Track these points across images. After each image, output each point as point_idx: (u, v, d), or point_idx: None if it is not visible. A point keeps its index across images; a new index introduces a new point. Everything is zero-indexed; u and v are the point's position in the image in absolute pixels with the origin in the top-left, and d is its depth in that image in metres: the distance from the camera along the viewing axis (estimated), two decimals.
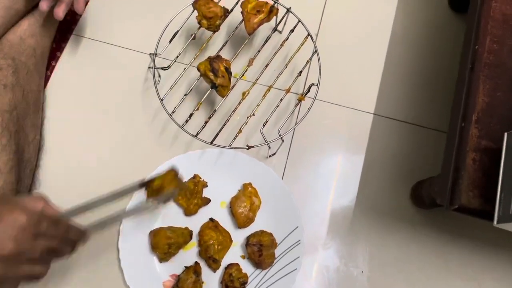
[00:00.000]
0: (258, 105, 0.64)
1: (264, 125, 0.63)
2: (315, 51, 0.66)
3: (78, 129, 0.70)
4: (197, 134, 0.61)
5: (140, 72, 0.73)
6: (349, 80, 0.74)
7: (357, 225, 0.67)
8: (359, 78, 0.74)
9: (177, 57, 0.66)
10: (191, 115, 0.62)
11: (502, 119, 0.52)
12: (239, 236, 0.64)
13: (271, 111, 0.64)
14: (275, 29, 0.69)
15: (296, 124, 0.65)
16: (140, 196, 0.63)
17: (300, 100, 0.68)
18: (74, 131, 0.70)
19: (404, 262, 0.66)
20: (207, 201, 0.65)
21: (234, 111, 0.63)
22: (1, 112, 0.58)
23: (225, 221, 0.65)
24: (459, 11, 0.77)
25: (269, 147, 0.67)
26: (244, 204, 0.64)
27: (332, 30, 0.77)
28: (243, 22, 0.66)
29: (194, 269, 0.61)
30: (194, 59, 0.66)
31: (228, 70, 0.62)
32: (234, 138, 0.62)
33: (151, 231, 0.63)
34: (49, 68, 0.72)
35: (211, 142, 0.61)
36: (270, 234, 0.63)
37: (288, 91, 0.66)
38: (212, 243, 0.62)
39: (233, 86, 0.64)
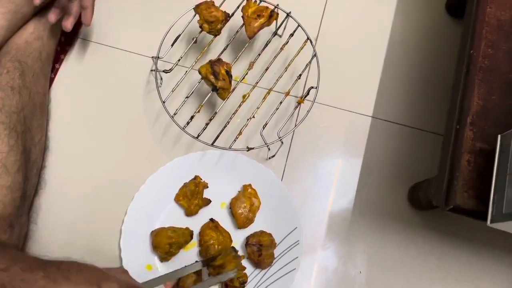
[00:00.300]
0: (258, 108, 0.65)
1: (264, 128, 0.64)
2: (314, 54, 0.68)
3: (81, 131, 0.71)
4: (198, 136, 0.62)
5: (143, 75, 0.74)
6: (348, 83, 0.75)
7: (355, 226, 0.68)
8: (357, 82, 0.75)
9: (179, 60, 0.67)
10: (192, 117, 0.63)
11: (496, 122, 0.53)
12: (239, 237, 0.65)
13: (271, 113, 0.65)
14: (275, 33, 0.70)
15: (295, 126, 0.66)
16: None
17: (299, 103, 0.69)
18: (78, 132, 0.71)
19: (401, 263, 0.67)
20: (207, 201, 0.66)
21: (234, 113, 0.65)
22: (9, 114, 0.59)
23: (225, 222, 0.66)
24: (456, 16, 0.78)
25: (269, 149, 0.68)
26: (244, 205, 0.65)
27: (331, 34, 0.78)
28: (244, 26, 0.67)
29: None
30: (196, 62, 0.67)
31: (228, 73, 0.63)
32: (235, 140, 0.63)
33: (152, 231, 0.64)
34: (53, 70, 0.73)
35: (212, 144, 0.62)
36: (270, 235, 0.64)
37: (287, 94, 0.67)
38: (212, 243, 0.63)
39: (233, 89, 0.65)
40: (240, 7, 0.68)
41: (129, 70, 0.75)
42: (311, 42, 0.68)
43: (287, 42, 0.68)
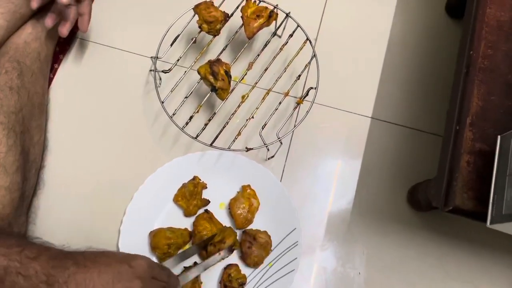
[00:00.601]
0: (257, 108, 0.65)
1: (263, 128, 0.64)
2: (314, 55, 0.68)
3: (80, 131, 0.71)
4: (197, 136, 0.62)
5: (142, 75, 0.74)
6: (347, 84, 0.75)
7: (354, 227, 0.68)
8: (357, 83, 0.75)
9: (178, 60, 0.67)
10: (191, 117, 0.63)
11: (496, 123, 0.53)
12: (237, 237, 0.65)
13: (270, 114, 0.65)
14: (274, 34, 0.70)
15: (294, 127, 0.66)
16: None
17: (298, 104, 0.69)
18: (77, 132, 0.71)
19: (400, 264, 0.67)
20: (206, 202, 0.66)
21: (233, 114, 0.64)
22: (8, 114, 0.59)
23: (224, 222, 0.66)
24: (456, 17, 0.78)
25: (268, 150, 0.68)
26: (243, 205, 0.65)
27: (331, 35, 0.78)
28: (243, 26, 0.67)
29: None
30: (195, 62, 0.67)
31: (228, 74, 0.63)
32: (234, 141, 0.63)
33: (150, 232, 0.64)
34: (52, 70, 0.73)
35: (211, 144, 0.62)
36: (269, 237, 0.64)
37: (287, 94, 0.67)
38: (206, 233, 0.63)
39: (232, 89, 0.65)
40: (240, 7, 0.68)
41: (128, 70, 0.75)
42: (310, 42, 0.68)
43: (286, 43, 0.68)
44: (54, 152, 0.69)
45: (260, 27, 0.67)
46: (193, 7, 0.66)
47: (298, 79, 0.67)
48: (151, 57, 0.67)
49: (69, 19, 0.65)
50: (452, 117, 0.56)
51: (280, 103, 0.66)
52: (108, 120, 0.72)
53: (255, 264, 0.64)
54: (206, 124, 0.63)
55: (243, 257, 0.64)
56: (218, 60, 0.63)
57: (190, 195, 0.65)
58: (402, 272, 0.66)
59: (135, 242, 0.64)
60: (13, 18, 0.64)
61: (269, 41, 0.69)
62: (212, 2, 0.67)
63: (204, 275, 0.63)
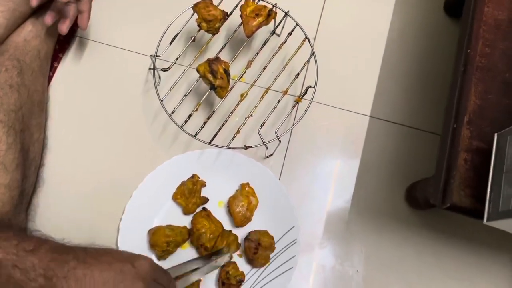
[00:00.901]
0: (256, 106, 0.65)
1: (261, 126, 0.64)
2: (312, 53, 0.68)
3: (80, 129, 0.71)
4: (196, 134, 0.63)
5: (141, 74, 0.74)
6: (346, 82, 0.75)
7: (353, 225, 0.68)
8: (355, 81, 0.76)
9: (177, 59, 0.67)
10: (190, 115, 0.64)
11: (493, 121, 0.53)
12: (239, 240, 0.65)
13: (268, 112, 0.65)
14: (273, 32, 0.70)
15: (293, 125, 0.66)
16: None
17: (297, 102, 0.69)
18: (76, 130, 0.71)
19: (399, 262, 0.67)
20: (205, 200, 0.67)
21: (232, 112, 0.65)
22: (8, 112, 0.59)
23: (223, 220, 0.66)
24: (454, 16, 0.79)
25: (267, 148, 0.68)
26: (242, 203, 0.66)
27: (330, 34, 0.78)
28: (242, 25, 0.67)
29: None
30: (194, 61, 0.67)
31: (227, 72, 0.63)
32: (232, 139, 0.64)
33: (150, 230, 0.64)
34: (52, 69, 0.73)
35: (210, 142, 0.63)
36: (271, 237, 0.64)
37: (285, 93, 0.67)
38: (204, 231, 0.63)
39: (231, 88, 0.65)
40: (239, 6, 0.68)
41: (127, 68, 0.75)
42: (309, 41, 0.68)
43: (285, 41, 0.68)
44: (54, 150, 0.69)
45: (259, 26, 0.67)
46: (192, 5, 0.67)
47: (297, 77, 0.67)
48: (151, 56, 0.67)
49: (68, 17, 0.65)
50: (450, 115, 0.56)
51: (278, 101, 0.66)
52: (107, 118, 0.72)
53: (262, 265, 0.64)
54: (205, 122, 0.64)
55: (250, 263, 0.64)
56: (217, 59, 0.64)
57: (189, 193, 0.65)
58: (400, 270, 0.66)
59: (134, 240, 0.64)
60: (13, 16, 0.64)
61: (268, 40, 0.69)
62: (211, 0, 0.67)
63: None
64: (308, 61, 0.68)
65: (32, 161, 0.64)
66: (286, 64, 0.67)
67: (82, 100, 0.73)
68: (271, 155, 0.70)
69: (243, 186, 0.67)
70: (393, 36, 0.78)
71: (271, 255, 0.64)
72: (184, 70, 0.66)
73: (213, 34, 0.68)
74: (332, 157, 0.72)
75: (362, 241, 0.67)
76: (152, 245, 0.63)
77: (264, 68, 0.67)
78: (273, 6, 0.69)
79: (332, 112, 0.73)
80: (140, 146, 0.71)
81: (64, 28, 0.65)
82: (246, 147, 0.64)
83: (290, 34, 0.69)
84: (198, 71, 0.63)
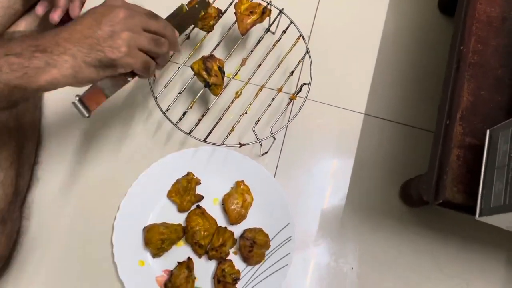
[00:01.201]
0: (250, 104, 0.65)
1: (256, 124, 0.64)
2: (307, 51, 0.68)
3: (74, 126, 0.71)
4: (191, 131, 0.63)
5: None
6: (340, 80, 0.76)
7: (347, 222, 0.68)
8: (350, 79, 0.76)
9: (171, 56, 0.67)
10: (184, 113, 0.64)
11: (486, 117, 0.53)
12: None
13: (263, 110, 0.65)
14: (267, 30, 0.70)
15: (288, 122, 0.66)
16: None
17: (292, 100, 0.69)
18: (70, 128, 0.71)
19: (393, 259, 0.67)
20: (200, 198, 0.67)
21: (227, 109, 0.65)
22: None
23: (218, 218, 0.66)
24: (448, 14, 0.79)
25: (261, 145, 0.68)
26: (237, 201, 0.66)
27: (324, 31, 0.78)
28: (237, 22, 0.67)
29: (187, 265, 0.62)
30: (188, 58, 0.67)
31: (221, 70, 0.63)
32: (227, 136, 0.64)
33: (144, 227, 0.64)
34: None
35: (204, 140, 0.63)
36: (266, 235, 0.64)
37: (280, 90, 0.68)
38: (198, 229, 0.63)
39: (226, 86, 0.65)
40: (233, 4, 0.68)
41: None
42: (303, 39, 0.68)
43: (279, 39, 0.68)
44: (48, 148, 0.69)
45: (254, 24, 0.67)
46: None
47: (291, 75, 0.68)
48: None
49: (60, 6, 0.64)
50: (443, 112, 0.56)
51: (273, 99, 0.66)
52: (101, 115, 0.72)
53: (257, 263, 0.64)
54: (199, 120, 0.64)
55: (245, 261, 0.64)
56: (211, 56, 0.64)
57: (184, 190, 0.66)
58: (395, 267, 0.67)
59: (129, 237, 0.64)
60: (6, 13, 0.64)
61: (263, 38, 0.69)
62: None
63: (198, 270, 0.63)
64: (302, 58, 0.68)
65: (27, 158, 0.64)
66: (281, 62, 0.67)
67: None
68: (266, 152, 0.70)
69: (238, 183, 0.67)
70: (387, 34, 0.79)
71: (266, 253, 0.64)
72: (179, 67, 0.66)
73: (208, 32, 0.68)
74: (326, 154, 0.72)
75: (356, 238, 0.68)
76: (147, 243, 0.63)
77: (259, 66, 0.67)
78: (268, 3, 0.69)
79: (326, 109, 0.74)
80: (134, 143, 0.71)
81: (55, 16, 0.64)
82: (241, 145, 0.64)
83: (284, 32, 0.69)
84: (192, 68, 0.63)
